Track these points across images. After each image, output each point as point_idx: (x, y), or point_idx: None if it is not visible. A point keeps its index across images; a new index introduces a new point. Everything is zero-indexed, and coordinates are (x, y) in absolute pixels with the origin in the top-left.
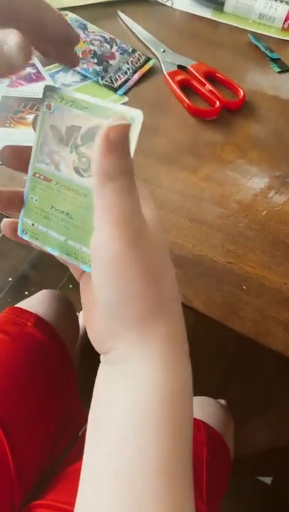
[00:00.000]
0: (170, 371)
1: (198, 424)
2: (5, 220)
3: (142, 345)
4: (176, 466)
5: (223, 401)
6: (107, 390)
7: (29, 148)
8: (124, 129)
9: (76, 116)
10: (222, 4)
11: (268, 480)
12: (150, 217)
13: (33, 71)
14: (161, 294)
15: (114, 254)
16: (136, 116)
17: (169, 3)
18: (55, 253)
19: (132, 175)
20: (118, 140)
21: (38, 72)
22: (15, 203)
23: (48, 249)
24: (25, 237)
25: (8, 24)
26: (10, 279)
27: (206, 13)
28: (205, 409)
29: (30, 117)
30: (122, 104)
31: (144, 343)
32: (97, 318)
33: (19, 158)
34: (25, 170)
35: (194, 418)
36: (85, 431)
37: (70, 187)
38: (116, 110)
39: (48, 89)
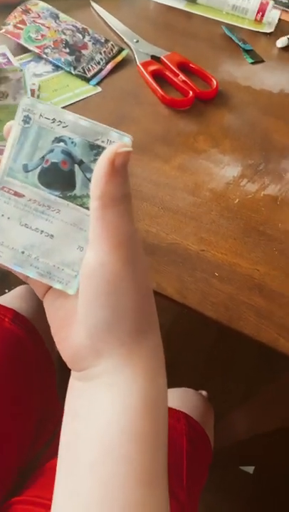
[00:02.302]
0: (153, 383)
1: (178, 414)
2: None
3: (128, 361)
4: (155, 471)
5: (204, 392)
6: (86, 405)
7: None
8: (128, 155)
9: (54, 133)
10: None
11: (250, 469)
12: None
13: (4, 60)
14: (149, 311)
15: (112, 275)
16: (128, 142)
17: None
18: (25, 273)
19: (131, 198)
20: (122, 166)
21: (9, 61)
22: None
23: (16, 269)
24: None
25: None
26: None
27: (180, 4)
28: (185, 400)
29: None
30: (96, 93)
31: (131, 358)
32: (77, 336)
33: None
34: None
35: (174, 409)
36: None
37: (44, 203)
38: (101, 131)
39: (27, 102)
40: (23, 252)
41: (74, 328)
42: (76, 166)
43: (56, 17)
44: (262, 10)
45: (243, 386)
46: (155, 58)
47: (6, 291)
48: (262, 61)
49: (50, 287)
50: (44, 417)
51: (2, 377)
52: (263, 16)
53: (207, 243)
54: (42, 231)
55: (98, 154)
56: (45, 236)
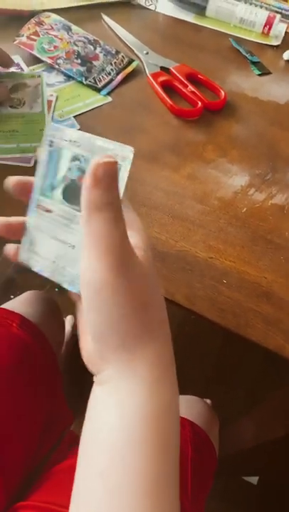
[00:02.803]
0: (154, 393)
1: (182, 421)
2: (8, 245)
3: (129, 368)
4: (163, 480)
5: (208, 400)
6: (96, 409)
7: (31, 179)
8: (111, 166)
9: (71, 152)
10: (204, 9)
11: (254, 480)
12: (138, 244)
13: (17, 70)
14: (149, 318)
15: (102, 281)
16: (127, 155)
17: (152, 7)
18: (56, 280)
19: (119, 206)
20: (105, 176)
21: (22, 71)
22: (21, 231)
23: (50, 277)
24: (27, 263)
25: None
26: None
27: (189, 17)
28: (190, 407)
29: None
30: (106, 103)
31: (131, 366)
32: (88, 341)
33: (23, 188)
34: (27, 199)
35: (179, 416)
36: (70, 431)
37: (68, 217)
38: (109, 148)
39: (51, 129)
40: (54, 262)
41: (87, 333)
42: None
43: (69, 29)
44: (269, 23)
45: (249, 393)
46: (164, 69)
47: (12, 297)
48: (269, 73)
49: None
50: (50, 421)
51: (9, 382)
52: (270, 29)
53: (215, 251)
54: (66, 242)
55: None
56: (69, 247)
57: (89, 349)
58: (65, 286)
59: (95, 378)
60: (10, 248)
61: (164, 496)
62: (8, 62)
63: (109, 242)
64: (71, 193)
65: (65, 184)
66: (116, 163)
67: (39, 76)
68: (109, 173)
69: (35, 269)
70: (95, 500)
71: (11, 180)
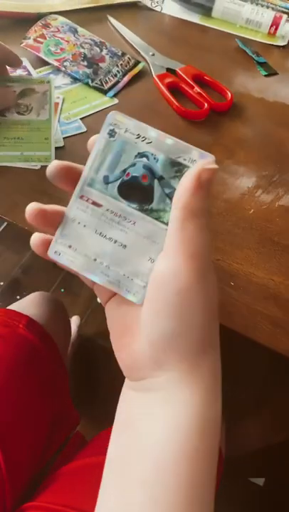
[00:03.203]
0: (210, 403)
1: None
2: (36, 235)
3: (188, 377)
4: (207, 492)
5: None
6: (140, 417)
7: (79, 167)
8: (214, 173)
9: (138, 148)
10: (210, 9)
11: (260, 482)
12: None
13: (24, 73)
14: (214, 329)
15: (184, 285)
16: (212, 161)
17: (158, 9)
18: (95, 280)
19: (208, 214)
20: (206, 182)
21: (29, 73)
22: (55, 221)
23: (87, 275)
24: (58, 259)
25: None
26: (1, 283)
27: (195, 18)
28: None
29: None
30: (113, 105)
31: (191, 375)
32: (139, 346)
33: (67, 176)
34: (71, 189)
35: None
36: (77, 432)
37: (120, 214)
38: (183, 150)
39: (114, 117)
40: (95, 260)
41: (136, 337)
42: (156, 181)
43: (75, 31)
44: (275, 23)
45: (256, 394)
46: (171, 71)
47: (18, 297)
48: (275, 73)
49: (113, 294)
50: (57, 422)
51: (16, 383)
52: (276, 29)
53: (223, 252)
54: (116, 241)
55: (179, 171)
56: (119, 246)
57: (137, 354)
58: (106, 285)
59: (131, 383)
60: (38, 239)
61: (206, 505)
62: (16, 62)
63: (199, 248)
64: (129, 190)
65: (124, 180)
66: (217, 169)
67: (48, 82)
68: (211, 179)
69: (68, 264)
70: (136, 507)
71: (57, 164)
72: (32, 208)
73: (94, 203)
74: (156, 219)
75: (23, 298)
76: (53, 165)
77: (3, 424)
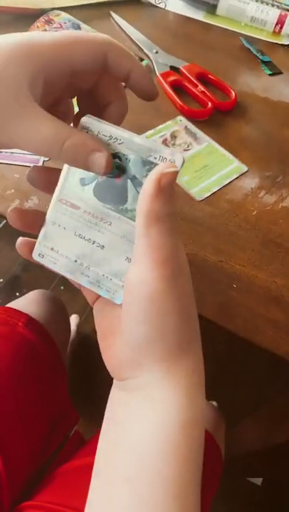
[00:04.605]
0: (192, 401)
1: None
2: (21, 239)
3: (169, 376)
4: (191, 488)
5: (214, 402)
6: (125, 416)
7: (58, 171)
8: (174, 176)
9: (110, 149)
10: (214, 7)
11: (258, 481)
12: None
13: None
14: (192, 329)
15: (154, 292)
16: (180, 162)
17: (161, 5)
18: (77, 280)
19: (175, 217)
20: (167, 186)
21: None
22: (37, 223)
23: (69, 276)
24: (41, 261)
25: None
26: (1, 280)
27: (199, 15)
28: None
29: None
30: None
31: (171, 374)
32: (120, 347)
33: (47, 180)
34: (51, 192)
35: None
36: (75, 431)
37: (97, 215)
38: (154, 148)
39: (86, 121)
40: (75, 261)
41: (118, 338)
42: (129, 180)
43: (78, 27)
44: (280, 22)
45: (255, 394)
46: (174, 69)
47: (17, 294)
48: (280, 72)
49: (99, 295)
50: (56, 419)
51: (15, 381)
52: (281, 27)
53: (225, 254)
54: (94, 241)
55: (150, 170)
56: (97, 246)
57: (119, 355)
58: (87, 286)
59: (118, 383)
60: (22, 243)
61: (190, 502)
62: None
63: (165, 253)
64: (104, 191)
65: (99, 181)
66: (178, 172)
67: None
68: (171, 182)
69: (51, 266)
70: (120, 507)
71: (36, 170)
72: (13, 211)
73: (72, 206)
74: (131, 218)
75: (22, 295)
76: (33, 169)
77: (2, 422)
